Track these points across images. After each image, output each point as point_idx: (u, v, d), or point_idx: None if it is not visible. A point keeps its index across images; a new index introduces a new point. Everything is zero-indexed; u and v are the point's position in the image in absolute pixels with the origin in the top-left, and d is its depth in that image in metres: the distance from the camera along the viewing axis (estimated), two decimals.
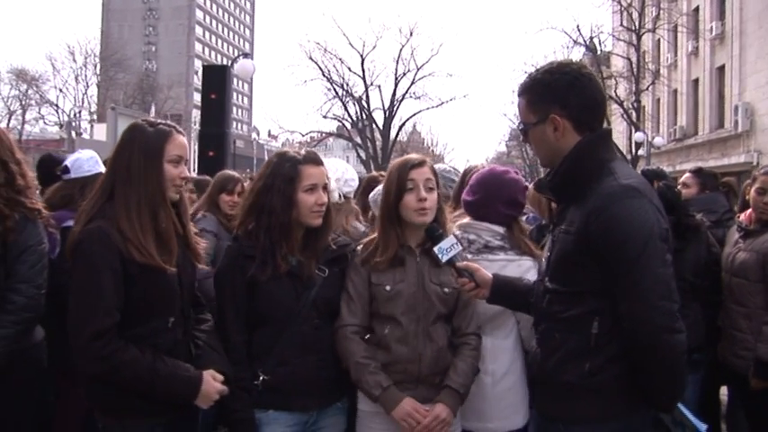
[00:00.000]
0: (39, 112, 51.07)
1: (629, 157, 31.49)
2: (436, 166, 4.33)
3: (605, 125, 2.44)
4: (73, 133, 27.96)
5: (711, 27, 27.31)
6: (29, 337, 3.09)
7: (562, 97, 2.28)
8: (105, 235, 2.44)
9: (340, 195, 3.58)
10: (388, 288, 2.81)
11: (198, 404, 2.59)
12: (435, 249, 2.70)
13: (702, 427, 2.36)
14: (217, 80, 12.30)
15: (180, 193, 2.69)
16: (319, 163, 2.86)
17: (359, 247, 2.96)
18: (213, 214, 4.81)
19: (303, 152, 2.90)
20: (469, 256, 3.07)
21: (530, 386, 3.08)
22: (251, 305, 2.76)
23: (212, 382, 2.59)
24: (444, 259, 2.69)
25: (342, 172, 3.64)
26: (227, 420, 2.76)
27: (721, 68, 27.25)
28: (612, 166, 2.25)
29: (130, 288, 2.48)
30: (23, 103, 49.66)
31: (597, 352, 2.21)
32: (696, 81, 29.83)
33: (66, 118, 42.74)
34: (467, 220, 3.25)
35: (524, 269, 3.05)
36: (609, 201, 2.14)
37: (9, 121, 48.86)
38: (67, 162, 4.12)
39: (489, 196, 3.19)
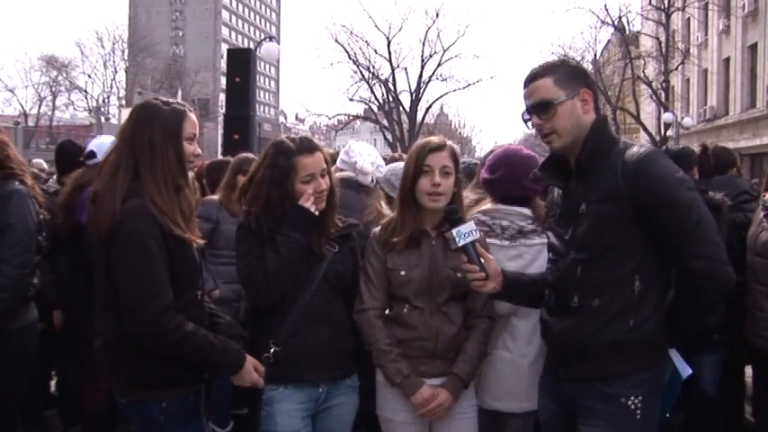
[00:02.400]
0: (68, 98, 51.76)
1: (657, 138, 31.08)
2: None
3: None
4: (102, 118, 28.22)
5: (744, 4, 26.73)
6: (15, 319, 3.11)
7: (585, 78, 2.56)
8: (147, 211, 2.45)
9: (373, 180, 3.63)
10: (402, 273, 2.86)
11: (234, 378, 2.65)
12: (453, 232, 2.59)
13: (686, 372, 2.51)
14: (241, 63, 12.37)
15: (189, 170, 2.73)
16: (314, 150, 2.84)
17: (376, 229, 2.99)
18: (229, 197, 4.72)
19: (297, 141, 2.87)
20: (506, 242, 3.09)
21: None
22: None
23: (252, 370, 2.65)
24: (460, 243, 2.57)
25: (375, 156, 3.70)
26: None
27: (753, 47, 26.69)
28: (626, 141, 2.51)
29: (169, 262, 2.50)
30: (53, 89, 50.27)
31: (640, 307, 2.37)
32: (727, 60, 29.26)
33: (95, 103, 43.15)
34: (490, 205, 3.23)
35: None
36: (645, 164, 2.34)
37: (40, 107, 49.67)
38: (92, 147, 4.24)
39: (513, 171, 3.18)
